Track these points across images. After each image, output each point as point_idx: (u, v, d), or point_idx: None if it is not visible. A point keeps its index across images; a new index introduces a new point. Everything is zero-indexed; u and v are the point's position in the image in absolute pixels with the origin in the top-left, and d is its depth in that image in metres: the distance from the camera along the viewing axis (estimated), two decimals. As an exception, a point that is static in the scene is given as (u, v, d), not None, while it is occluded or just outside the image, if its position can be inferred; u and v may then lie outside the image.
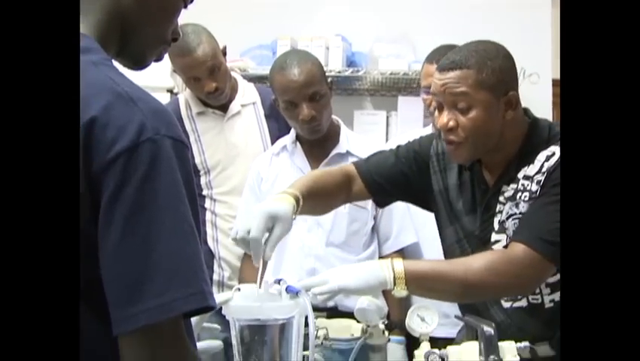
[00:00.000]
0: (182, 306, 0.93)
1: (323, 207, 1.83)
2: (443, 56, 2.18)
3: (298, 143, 2.35)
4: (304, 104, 2.19)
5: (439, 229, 1.84)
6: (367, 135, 3.05)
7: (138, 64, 1.15)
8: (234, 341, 1.42)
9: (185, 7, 1.17)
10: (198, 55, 2.44)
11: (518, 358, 1.41)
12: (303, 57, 2.26)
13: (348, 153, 2.31)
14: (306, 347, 1.55)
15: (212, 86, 2.50)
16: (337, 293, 1.49)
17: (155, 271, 0.91)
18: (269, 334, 1.44)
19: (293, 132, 2.37)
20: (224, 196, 2.60)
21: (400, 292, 1.51)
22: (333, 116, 2.35)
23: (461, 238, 1.75)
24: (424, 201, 1.87)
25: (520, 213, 1.61)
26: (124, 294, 0.91)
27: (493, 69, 1.59)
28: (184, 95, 2.69)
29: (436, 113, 1.68)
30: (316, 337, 1.63)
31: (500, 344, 1.40)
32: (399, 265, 1.51)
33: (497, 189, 1.68)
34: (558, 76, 1.16)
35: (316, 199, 1.71)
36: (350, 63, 3.36)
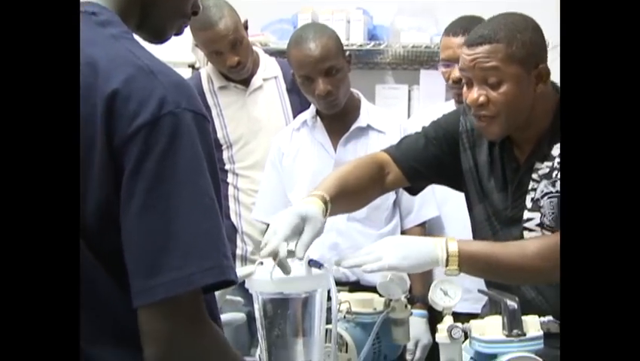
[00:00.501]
0: (200, 280, 0.93)
1: (357, 203, 1.79)
2: (461, 28, 2.22)
3: (318, 118, 2.34)
4: (320, 78, 2.17)
5: (468, 208, 1.82)
6: (389, 109, 3.04)
7: (159, 37, 1.15)
8: (257, 315, 1.43)
9: None
10: (220, 28, 2.43)
11: (541, 332, 1.40)
12: (319, 31, 2.23)
13: (369, 127, 2.30)
14: (328, 321, 1.56)
15: (234, 60, 2.50)
16: (387, 270, 1.50)
17: (174, 244, 0.92)
18: (291, 308, 1.44)
19: (313, 107, 2.35)
20: (247, 171, 2.61)
21: (453, 271, 1.52)
22: (354, 90, 2.33)
23: (491, 216, 1.73)
24: (455, 181, 1.83)
25: (557, 192, 1.59)
26: (143, 266, 0.92)
27: (523, 42, 1.56)
28: (206, 70, 2.69)
29: (464, 89, 1.65)
30: (339, 311, 1.63)
31: (523, 318, 1.39)
32: (453, 245, 1.52)
33: (529, 166, 1.65)
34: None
35: (348, 197, 1.68)
36: (371, 37, 3.34)
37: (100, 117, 0.91)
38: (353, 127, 2.30)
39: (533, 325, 1.40)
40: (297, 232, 1.44)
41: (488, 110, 1.59)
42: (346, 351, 1.58)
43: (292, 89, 2.55)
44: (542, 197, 1.61)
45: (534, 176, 1.63)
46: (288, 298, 1.42)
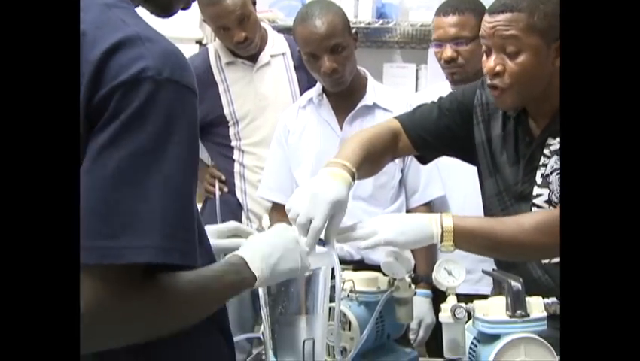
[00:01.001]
0: (131, 256, 0.87)
1: (373, 170, 1.78)
2: (452, 8, 2.27)
3: (324, 95, 2.33)
4: (325, 56, 2.17)
5: (480, 182, 1.80)
6: (397, 88, 3.03)
7: (165, 11, 1.12)
8: (261, 292, 1.43)
9: None
10: (227, 3, 2.43)
11: (545, 313, 1.40)
12: (325, 8, 2.22)
13: (375, 105, 2.30)
14: (332, 299, 1.56)
15: (242, 35, 2.49)
16: (383, 245, 1.49)
17: (112, 210, 0.87)
18: (295, 286, 1.44)
19: (319, 85, 2.35)
20: (253, 147, 2.61)
21: (448, 248, 1.50)
22: (360, 68, 2.33)
23: (501, 191, 1.72)
24: (467, 154, 1.82)
25: None
26: (84, 225, 0.86)
27: (545, 13, 1.52)
28: (214, 46, 2.68)
29: (484, 57, 1.62)
30: (342, 289, 1.64)
31: (527, 299, 1.39)
32: (448, 220, 1.50)
33: (542, 140, 1.64)
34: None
35: (368, 166, 1.67)
36: (380, 14, 3.31)
37: (84, 82, 0.89)
38: (359, 105, 2.29)
39: (537, 306, 1.40)
40: (329, 217, 1.44)
41: (502, 80, 1.57)
42: (349, 330, 1.58)
43: (300, 66, 2.54)
44: (551, 173, 1.61)
45: (546, 151, 1.62)
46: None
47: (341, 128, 2.30)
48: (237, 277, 1.09)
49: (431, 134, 1.79)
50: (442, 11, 2.33)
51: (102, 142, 0.87)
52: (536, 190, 1.64)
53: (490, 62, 1.58)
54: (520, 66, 1.54)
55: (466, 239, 1.51)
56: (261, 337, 1.62)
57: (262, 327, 1.60)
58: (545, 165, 1.62)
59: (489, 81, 1.61)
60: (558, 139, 1.60)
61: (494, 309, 1.40)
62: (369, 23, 3.22)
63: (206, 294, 1.01)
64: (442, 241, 1.50)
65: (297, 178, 2.34)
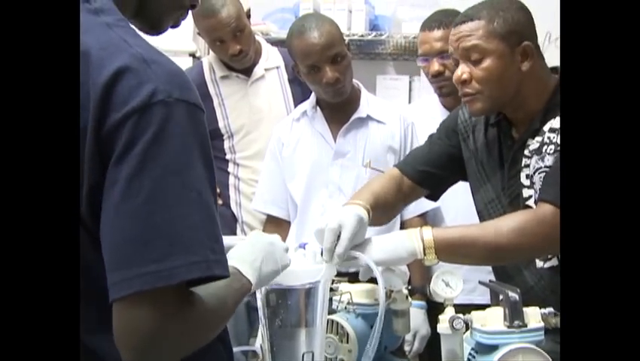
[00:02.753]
0: (184, 274, 0.89)
1: (385, 217, 1.81)
2: (437, 22, 2.31)
3: (318, 108, 2.32)
4: (327, 66, 2.16)
5: (473, 195, 1.83)
6: (390, 100, 3.04)
7: (155, 28, 1.13)
8: (259, 304, 1.43)
9: None
10: (222, 16, 2.44)
11: (542, 324, 1.40)
12: (320, 20, 2.23)
13: (368, 118, 2.30)
14: (331, 312, 1.57)
15: (236, 48, 2.50)
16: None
17: (156, 235, 0.88)
18: (294, 298, 1.45)
19: (313, 97, 2.34)
20: (248, 160, 2.61)
21: (431, 261, 1.51)
22: (354, 80, 2.33)
23: (493, 199, 1.75)
24: (465, 173, 1.86)
25: (546, 167, 1.59)
26: (121, 257, 0.88)
27: (505, 19, 1.60)
28: (208, 59, 2.69)
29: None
30: (340, 301, 1.64)
31: (525, 309, 1.39)
32: (428, 233, 1.51)
33: (522, 142, 1.67)
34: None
35: (380, 211, 1.70)
36: (373, 27, 3.33)
37: (92, 106, 0.89)
38: (353, 117, 2.28)
39: (534, 316, 1.41)
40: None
41: (471, 86, 1.63)
42: (347, 342, 1.58)
43: (294, 80, 2.55)
44: (534, 173, 1.63)
45: (526, 152, 1.65)
46: (291, 288, 1.42)
47: (335, 140, 2.29)
48: (239, 285, 1.11)
49: (429, 165, 1.85)
50: (427, 26, 2.35)
51: (128, 172, 0.88)
52: (525, 192, 1.65)
53: (457, 72, 1.64)
54: (485, 71, 1.60)
55: (448, 250, 1.52)
56: (257, 350, 1.62)
57: (257, 340, 1.61)
58: (528, 166, 1.65)
59: (460, 91, 1.66)
60: (536, 139, 1.63)
61: (491, 320, 1.41)
62: (362, 35, 3.23)
63: (227, 304, 1.04)
64: (424, 255, 1.51)
65: (291, 191, 2.33)
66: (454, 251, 1.54)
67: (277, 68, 2.65)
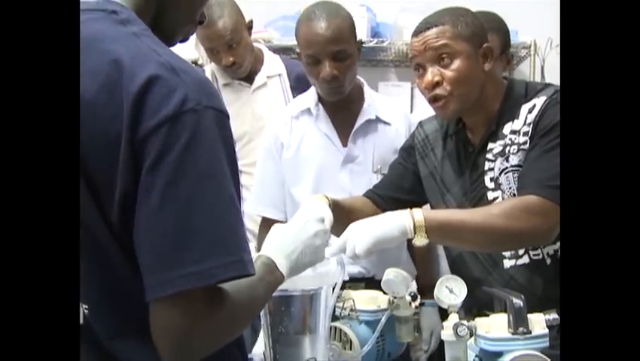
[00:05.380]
0: (222, 274, 0.93)
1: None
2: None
3: (321, 105, 2.16)
4: (327, 61, 2.00)
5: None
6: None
7: (167, 41, 1.14)
8: (264, 310, 1.43)
9: None
10: (218, 27, 2.45)
11: (547, 330, 1.40)
12: (333, 10, 2.05)
13: (378, 120, 2.16)
14: (334, 319, 1.56)
15: (229, 60, 2.51)
16: (367, 253, 1.51)
17: (195, 237, 0.92)
18: (296, 305, 1.45)
19: (313, 93, 2.18)
20: (250, 168, 2.59)
21: (421, 240, 1.53)
22: (357, 76, 2.20)
23: (455, 208, 1.77)
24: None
25: (512, 166, 1.66)
26: (161, 259, 0.91)
27: (467, 23, 1.67)
28: (211, 67, 2.70)
29: (417, 80, 1.73)
30: (342, 308, 1.63)
31: (529, 315, 1.39)
32: (418, 213, 1.54)
33: (482, 147, 1.73)
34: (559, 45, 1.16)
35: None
36: (375, 34, 3.34)
37: (126, 114, 0.92)
38: (363, 120, 2.14)
39: (538, 323, 1.40)
40: None
41: (442, 88, 1.66)
42: (351, 348, 1.58)
43: (296, 87, 2.55)
44: (500, 174, 1.68)
45: (489, 156, 1.71)
46: (293, 295, 1.42)
47: (343, 144, 2.14)
48: (272, 277, 1.15)
49: (393, 190, 1.91)
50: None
51: (165, 179, 0.92)
52: (491, 195, 1.70)
53: (427, 76, 1.67)
54: (457, 72, 1.65)
55: (438, 230, 1.55)
56: (260, 357, 1.62)
57: (257, 346, 1.60)
58: (492, 169, 1.70)
59: (428, 95, 1.69)
60: (498, 142, 1.69)
61: (496, 326, 1.40)
62: (364, 42, 3.20)
63: (258, 298, 1.08)
64: (415, 233, 1.53)
65: (295, 195, 2.16)
66: (444, 232, 1.57)
67: (279, 75, 2.65)
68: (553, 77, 3.29)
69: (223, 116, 0.99)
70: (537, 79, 3.35)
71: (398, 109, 2.27)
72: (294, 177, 2.17)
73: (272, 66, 2.67)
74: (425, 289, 2.01)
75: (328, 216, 1.50)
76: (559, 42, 3.34)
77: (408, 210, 1.56)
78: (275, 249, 1.22)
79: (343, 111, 2.15)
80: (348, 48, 2.02)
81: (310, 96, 2.19)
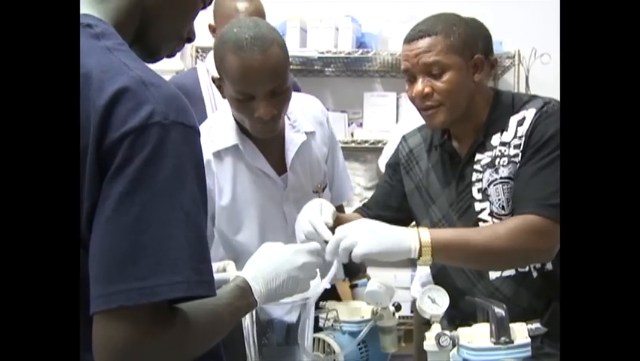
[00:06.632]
0: (167, 292, 0.91)
1: None
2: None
3: (247, 138, 1.84)
4: (264, 100, 1.67)
5: (418, 225, 1.75)
6: (378, 117, 3.04)
7: (152, 56, 1.15)
8: (247, 322, 1.43)
9: (204, 7, 1.19)
10: None
11: (529, 340, 1.40)
12: (266, 35, 1.66)
13: (307, 134, 1.92)
14: (317, 330, 1.56)
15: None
16: (362, 258, 1.49)
17: (142, 253, 0.90)
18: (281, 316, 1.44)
19: (233, 125, 1.85)
20: None
21: (426, 261, 1.52)
22: None
23: (440, 218, 1.77)
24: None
25: (501, 178, 1.66)
26: (106, 272, 0.90)
27: (459, 33, 1.66)
28: (205, 64, 2.68)
29: (407, 85, 1.72)
30: (326, 319, 1.63)
31: (511, 325, 1.39)
32: (425, 234, 1.52)
33: (469, 157, 1.73)
34: (559, 57, 1.16)
35: None
36: (360, 44, 3.35)
37: (92, 126, 0.92)
38: (297, 143, 1.88)
39: (520, 332, 1.41)
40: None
41: (433, 99, 1.66)
42: (334, 360, 1.58)
43: None
44: (488, 185, 1.67)
45: (477, 167, 1.70)
46: (278, 305, 1.42)
47: (279, 173, 1.87)
48: (244, 303, 1.15)
49: (381, 208, 1.91)
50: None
51: (121, 189, 0.90)
52: (478, 206, 1.69)
53: (418, 86, 1.67)
54: (447, 83, 1.65)
55: (444, 251, 1.53)
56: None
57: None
58: (480, 180, 1.69)
59: (419, 104, 1.69)
60: (487, 153, 1.69)
61: (478, 336, 1.40)
62: (349, 53, 3.25)
63: (222, 321, 1.07)
64: (420, 255, 1.51)
65: (241, 242, 1.86)
66: (449, 253, 1.55)
67: None
68: (537, 86, 3.32)
69: (192, 133, 0.97)
70: (522, 88, 3.38)
71: (308, 109, 2.00)
72: (236, 224, 1.86)
73: None
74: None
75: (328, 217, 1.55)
76: (542, 52, 3.38)
77: (415, 229, 1.54)
78: (255, 272, 1.21)
79: (272, 138, 1.83)
80: (285, 80, 1.69)
81: (228, 130, 1.85)
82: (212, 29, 2.56)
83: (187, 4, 1.15)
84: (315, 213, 1.61)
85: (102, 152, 0.91)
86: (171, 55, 1.19)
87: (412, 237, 1.52)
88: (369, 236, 1.50)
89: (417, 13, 3.31)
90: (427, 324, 1.52)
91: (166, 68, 3.02)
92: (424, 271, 2.22)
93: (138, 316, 0.90)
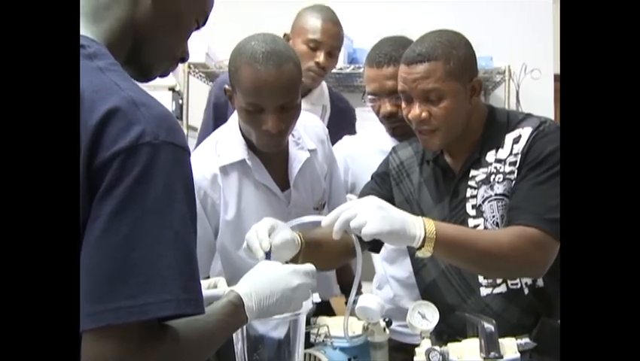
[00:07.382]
0: (156, 311, 0.92)
1: (322, 259, 1.70)
2: (386, 57, 2.05)
3: (254, 154, 1.88)
4: (274, 114, 1.72)
5: None
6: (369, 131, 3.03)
7: (145, 76, 1.16)
8: (239, 336, 1.43)
9: (197, 28, 1.19)
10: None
11: (519, 355, 1.41)
12: (282, 52, 1.72)
13: (310, 152, 1.96)
14: (308, 345, 1.56)
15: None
16: (371, 237, 1.48)
17: (131, 272, 0.91)
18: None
19: (241, 141, 1.88)
20: None
21: (425, 253, 1.51)
22: None
23: None
24: None
25: (496, 195, 1.66)
26: (96, 290, 0.90)
27: (459, 58, 1.64)
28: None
29: (403, 104, 1.72)
30: (317, 335, 1.64)
31: (500, 340, 1.40)
32: (431, 225, 1.51)
33: (463, 173, 1.73)
34: (559, 71, 1.17)
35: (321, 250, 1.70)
36: (352, 60, 3.37)
37: (83, 146, 0.92)
38: (301, 161, 1.93)
39: (510, 347, 1.42)
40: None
41: (429, 124, 1.67)
42: (325, 375, 1.58)
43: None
44: (483, 202, 1.68)
45: (471, 183, 1.70)
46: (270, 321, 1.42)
47: (282, 189, 1.91)
48: (235, 319, 1.16)
49: None
50: (375, 62, 2.08)
51: (111, 208, 0.91)
52: (471, 222, 1.69)
53: (415, 110, 1.66)
54: (444, 110, 1.64)
55: (445, 247, 1.52)
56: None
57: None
58: (475, 196, 1.69)
59: (415, 127, 1.69)
60: (482, 170, 1.69)
61: (468, 351, 1.41)
62: (341, 68, 3.27)
63: (213, 337, 1.08)
64: (422, 245, 1.50)
65: (242, 258, 1.78)
66: (451, 248, 1.53)
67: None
68: (528, 101, 3.34)
69: (182, 152, 0.98)
70: (513, 103, 3.39)
71: (310, 126, 2.04)
72: (239, 238, 1.76)
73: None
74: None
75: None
76: (533, 67, 3.40)
77: (421, 218, 1.52)
78: (250, 288, 1.22)
79: (276, 154, 1.88)
80: (296, 97, 1.75)
81: (236, 145, 1.89)
82: (287, 38, 2.51)
83: (180, 25, 1.16)
84: (261, 230, 1.56)
85: (93, 171, 0.92)
86: (164, 75, 1.20)
87: (418, 224, 1.50)
88: (380, 215, 1.47)
89: (408, 29, 3.36)
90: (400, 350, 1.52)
91: (159, 83, 3.01)
92: (386, 295, 2.18)
93: (127, 334, 0.91)
